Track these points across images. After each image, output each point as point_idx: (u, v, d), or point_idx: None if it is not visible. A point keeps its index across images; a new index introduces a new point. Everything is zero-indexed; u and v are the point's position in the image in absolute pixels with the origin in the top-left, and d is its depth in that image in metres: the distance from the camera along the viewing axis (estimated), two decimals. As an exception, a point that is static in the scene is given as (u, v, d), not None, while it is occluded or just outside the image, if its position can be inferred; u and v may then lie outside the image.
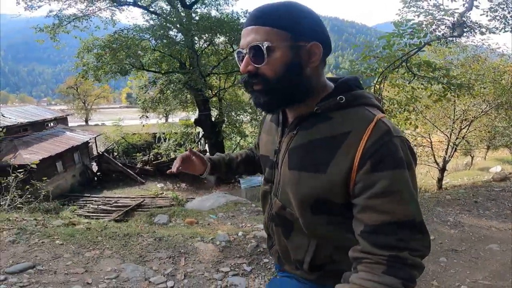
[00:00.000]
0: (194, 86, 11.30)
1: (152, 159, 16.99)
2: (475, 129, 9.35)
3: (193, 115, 15.66)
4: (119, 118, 19.15)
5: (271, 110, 0.79)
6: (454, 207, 4.16)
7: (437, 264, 2.68)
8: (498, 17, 4.59)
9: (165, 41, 10.93)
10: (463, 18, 4.17)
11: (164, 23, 11.09)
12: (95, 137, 18.43)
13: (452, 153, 9.21)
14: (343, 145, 0.68)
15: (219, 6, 13.54)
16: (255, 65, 0.70)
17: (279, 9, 0.69)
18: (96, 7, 11.94)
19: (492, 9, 4.54)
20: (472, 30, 4.35)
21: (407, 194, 0.64)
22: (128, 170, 16.30)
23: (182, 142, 14.77)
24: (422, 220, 0.65)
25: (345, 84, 0.75)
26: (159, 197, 12.33)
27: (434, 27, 4.34)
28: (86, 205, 11.85)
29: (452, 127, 8.93)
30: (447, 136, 9.09)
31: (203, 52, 12.38)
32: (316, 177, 0.71)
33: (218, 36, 11.62)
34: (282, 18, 0.68)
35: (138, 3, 12.33)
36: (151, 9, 12.52)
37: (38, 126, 16.45)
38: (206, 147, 16.60)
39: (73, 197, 13.10)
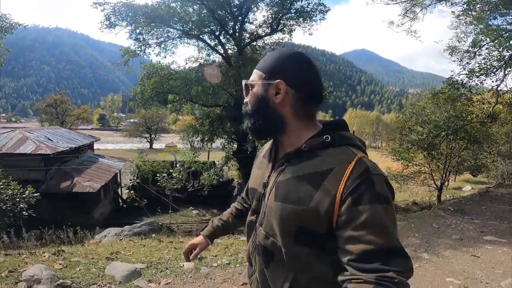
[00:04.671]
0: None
1: (183, 186, 18.41)
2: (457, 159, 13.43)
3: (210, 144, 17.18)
4: (141, 145, 20.09)
5: (254, 134, 0.94)
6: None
7: None
8: None
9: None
10: (492, 110, 7.79)
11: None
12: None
13: (447, 176, 13.09)
14: (326, 181, 0.76)
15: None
16: (246, 98, 0.91)
17: (267, 56, 0.90)
18: (167, 35, 12.49)
19: None
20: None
21: (386, 225, 0.72)
22: (163, 197, 17.59)
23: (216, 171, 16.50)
24: (402, 246, 0.73)
25: (332, 125, 0.86)
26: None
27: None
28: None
29: (446, 159, 12.81)
30: (442, 165, 12.95)
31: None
32: (298, 209, 0.79)
33: None
34: (262, 62, 0.89)
35: (200, 36, 12.82)
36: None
37: (75, 152, 16.42)
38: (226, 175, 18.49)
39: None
